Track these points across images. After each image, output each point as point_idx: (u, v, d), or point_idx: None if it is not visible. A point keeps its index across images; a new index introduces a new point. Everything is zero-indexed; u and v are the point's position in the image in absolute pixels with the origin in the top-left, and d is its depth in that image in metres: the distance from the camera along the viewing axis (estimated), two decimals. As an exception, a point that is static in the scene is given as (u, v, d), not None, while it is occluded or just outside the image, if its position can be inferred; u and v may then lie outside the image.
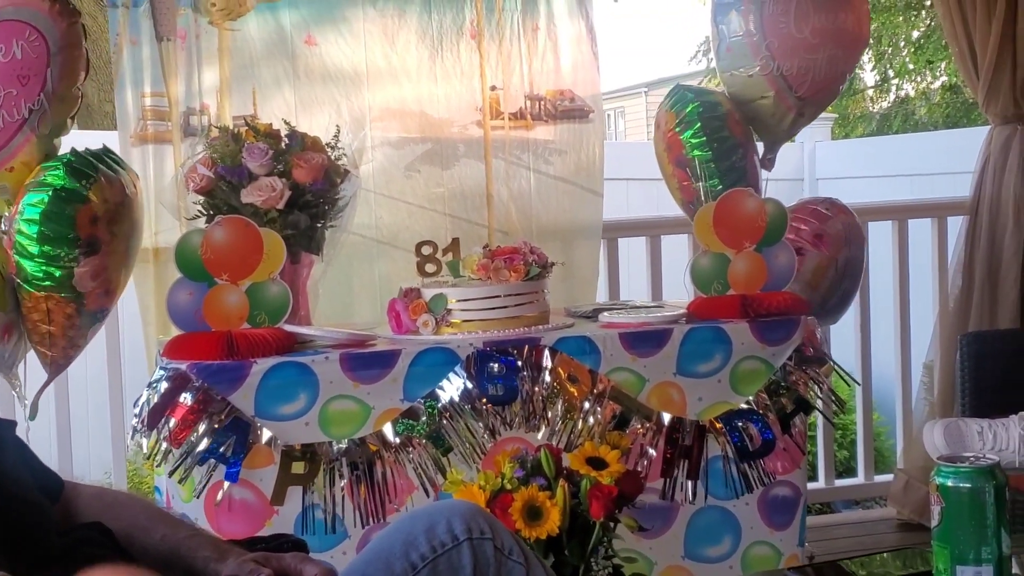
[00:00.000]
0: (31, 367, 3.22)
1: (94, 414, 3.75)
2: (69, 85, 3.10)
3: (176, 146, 3.46)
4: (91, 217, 2.90)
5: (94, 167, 2.97)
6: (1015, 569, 1.45)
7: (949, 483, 1.44)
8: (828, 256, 3.24)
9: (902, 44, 12.07)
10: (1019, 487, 1.65)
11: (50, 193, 2.89)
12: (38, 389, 3.20)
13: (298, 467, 2.70)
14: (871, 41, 13.17)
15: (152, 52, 3.50)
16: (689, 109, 3.49)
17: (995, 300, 4.14)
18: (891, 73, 13.00)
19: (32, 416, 3.09)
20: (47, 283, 2.91)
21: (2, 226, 2.99)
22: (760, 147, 3.65)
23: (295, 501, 2.70)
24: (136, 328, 3.58)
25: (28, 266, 2.88)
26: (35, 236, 2.87)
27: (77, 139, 3.24)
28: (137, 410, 2.76)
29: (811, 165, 8.08)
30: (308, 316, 3.10)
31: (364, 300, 3.45)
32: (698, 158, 3.43)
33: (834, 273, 3.26)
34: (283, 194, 2.92)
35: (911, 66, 12.74)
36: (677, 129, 3.51)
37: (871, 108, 13.08)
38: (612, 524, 2.61)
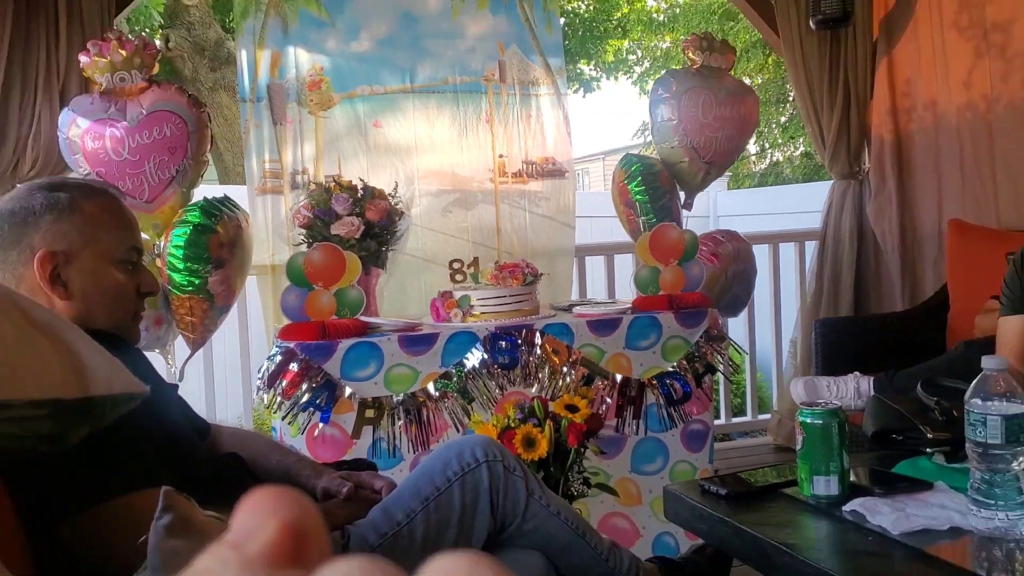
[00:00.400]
0: (178, 348, 3.27)
1: (230, 378, 3.76)
2: (201, 153, 3.14)
3: (286, 196, 3.46)
4: (218, 243, 2.96)
5: (219, 209, 3.02)
6: (852, 477, 1.47)
7: (808, 420, 1.46)
8: (720, 268, 3.26)
9: (774, 125, 12.08)
10: (854, 422, 1.67)
11: (191, 227, 2.94)
12: (183, 360, 3.24)
13: (369, 412, 2.72)
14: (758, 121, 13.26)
15: (270, 132, 3.51)
16: (634, 168, 3.52)
17: (837, 298, 4.16)
18: (767, 144, 13.02)
19: (180, 379, 3.12)
20: (189, 288, 2.96)
21: (156, 251, 3.04)
22: (681, 195, 3.67)
23: (367, 436, 2.71)
24: (258, 319, 3.60)
25: (176, 277, 2.93)
26: (180, 256, 2.93)
27: (213, 190, 3.30)
28: (260, 375, 2.79)
29: (714, 207, 8.11)
30: (376, 310, 3.09)
31: (414, 299, 3.45)
32: (639, 201, 3.47)
33: (724, 280, 3.27)
34: (359, 228, 2.95)
35: (780, 140, 12.76)
36: (626, 181, 3.53)
37: (753, 168, 13.11)
38: (582, 449, 2.65)
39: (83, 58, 2.99)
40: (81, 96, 3.00)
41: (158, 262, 3.00)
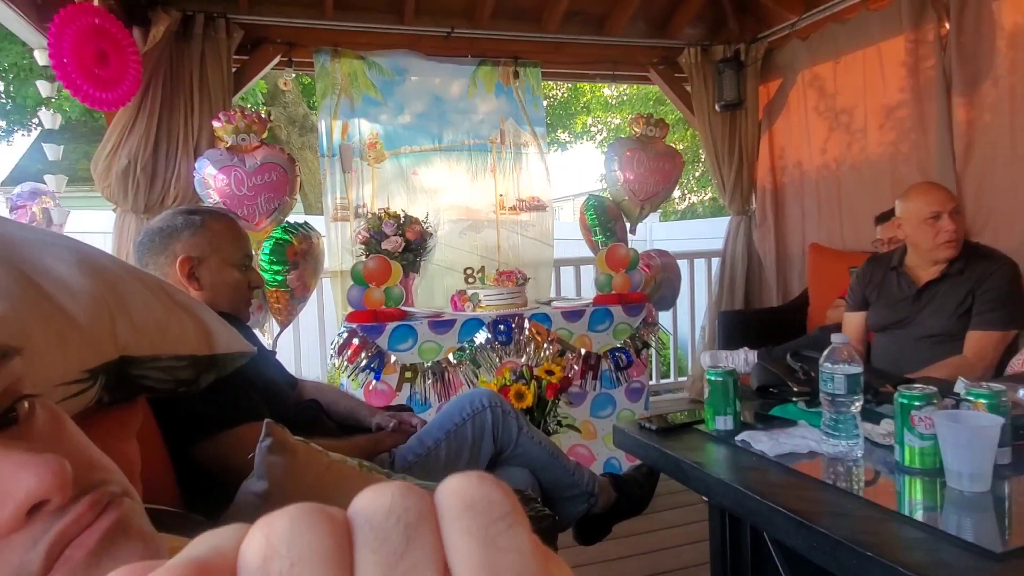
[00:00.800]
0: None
1: (313, 348, 3.75)
2: (293, 193, 3.16)
3: (351, 222, 3.45)
4: (293, 251, 2.99)
5: (295, 229, 3.08)
6: (742, 417, 1.47)
7: (712, 378, 1.47)
8: (653, 276, 3.26)
9: (691, 177, 12.13)
10: (744, 381, 1.67)
11: (274, 240, 2.97)
12: (275, 335, 3.24)
13: (408, 374, 2.72)
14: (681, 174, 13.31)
15: (340, 178, 3.50)
16: (590, 203, 3.54)
17: (733, 297, 4.18)
18: (686, 191, 13.01)
19: (273, 347, 3.13)
20: (274, 284, 2.99)
21: (255, 257, 3.05)
22: (628, 224, 3.68)
23: (406, 390, 2.71)
24: (331, 308, 3.60)
25: (267, 275, 2.96)
26: (266, 260, 2.95)
27: (299, 218, 3.31)
28: (332, 346, 2.80)
29: (651, 233, 8.13)
30: (412, 302, 3.09)
31: (439, 295, 3.45)
32: (593, 227, 3.48)
33: (656, 284, 3.28)
34: (401, 245, 2.95)
35: (695, 188, 12.78)
36: (585, 212, 3.54)
37: (678, 207, 13.11)
38: (556, 400, 2.66)
39: (216, 123, 3.02)
40: (212, 150, 3.03)
41: (254, 263, 3.02)
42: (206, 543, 0.19)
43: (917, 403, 1.14)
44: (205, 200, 3.03)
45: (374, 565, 0.18)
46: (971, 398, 1.19)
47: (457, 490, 0.19)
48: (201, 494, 1.13)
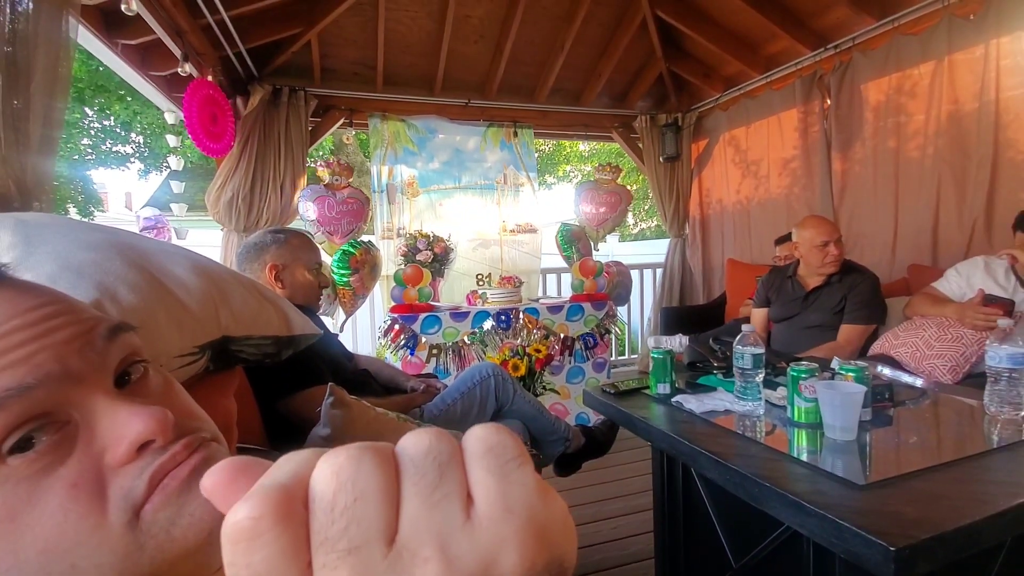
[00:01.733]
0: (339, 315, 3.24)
1: (367, 331, 3.73)
2: (365, 220, 3.20)
3: (395, 240, 3.45)
4: (355, 260, 2.97)
5: (359, 244, 3.04)
6: (677, 384, 1.45)
7: (655, 355, 1.46)
8: (612, 280, 3.24)
9: (642, 209, 12.15)
10: (679, 358, 1.67)
11: (343, 251, 2.96)
12: (341, 322, 3.22)
13: (434, 351, 2.70)
14: (631, 207, 13.32)
15: (387, 208, 3.49)
16: (561, 230, 3.48)
17: (671, 296, 4.17)
18: (638, 219, 12.98)
19: (340, 331, 3.11)
20: (341, 284, 2.97)
21: (326, 264, 3.04)
22: (591, 243, 3.66)
23: (432, 362, 2.69)
24: (379, 303, 3.59)
25: (336, 277, 2.94)
26: (338, 267, 2.93)
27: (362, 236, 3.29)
28: (380, 330, 2.79)
29: (612, 249, 8.16)
30: (438, 299, 3.09)
31: (458, 294, 3.44)
32: (563, 246, 3.43)
33: (614, 287, 3.26)
34: (430, 257, 2.94)
35: (645, 217, 12.78)
36: (557, 237, 3.51)
37: (632, 231, 13.10)
38: (542, 371, 2.65)
39: (320, 167, 3.19)
40: (314, 185, 3.13)
41: (326, 268, 3.02)
42: (286, 468, 0.19)
43: (804, 375, 1.14)
44: (305, 220, 3.07)
45: (415, 495, 0.18)
46: (843, 372, 1.18)
47: (480, 437, 0.19)
48: (281, 438, 1.13)
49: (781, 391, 1.30)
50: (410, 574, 0.17)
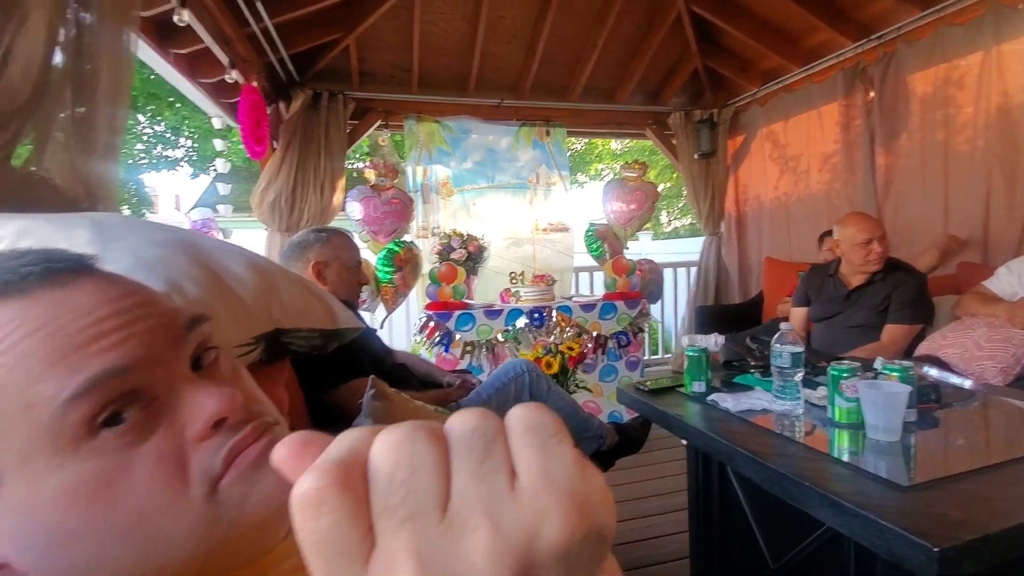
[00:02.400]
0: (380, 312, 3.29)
1: (402, 328, 3.78)
2: (408, 221, 3.25)
3: (429, 239, 3.48)
4: (399, 258, 3.01)
5: (403, 244, 3.06)
6: (712, 383, 1.43)
7: (690, 353, 1.44)
8: (643, 278, 3.17)
9: (675, 208, 11.96)
10: (715, 358, 1.64)
11: (387, 250, 3.00)
12: (382, 319, 3.28)
13: (468, 347, 2.73)
14: (659, 204, 13.10)
15: (423, 208, 3.54)
16: (589, 231, 3.36)
17: (706, 295, 4.10)
18: (671, 217, 12.78)
19: (380, 327, 3.17)
20: (384, 281, 3.01)
21: (368, 263, 3.09)
22: (620, 242, 3.60)
23: (467, 359, 2.72)
24: (414, 300, 3.63)
25: (380, 275, 2.98)
26: (382, 265, 2.98)
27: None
28: (415, 327, 2.84)
29: (643, 247, 8.06)
30: (472, 296, 3.11)
31: (492, 292, 3.45)
32: (590, 246, 3.35)
33: (646, 284, 3.19)
34: (465, 255, 2.97)
35: (679, 216, 12.57)
36: (585, 236, 3.40)
37: (666, 229, 12.88)
38: (575, 369, 2.65)
39: (369, 168, 3.21)
40: (360, 186, 3.17)
41: (369, 267, 3.07)
42: (346, 443, 0.20)
43: (845, 374, 1.11)
44: (350, 219, 3.14)
45: (464, 469, 0.19)
46: (886, 372, 1.15)
47: (521, 416, 0.21)
48: (326, 428, 1.17)
49: (821, 391, 1.27)
50: (461, 539, 0.18)
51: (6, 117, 0.70)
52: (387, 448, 0.20)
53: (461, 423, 0.20)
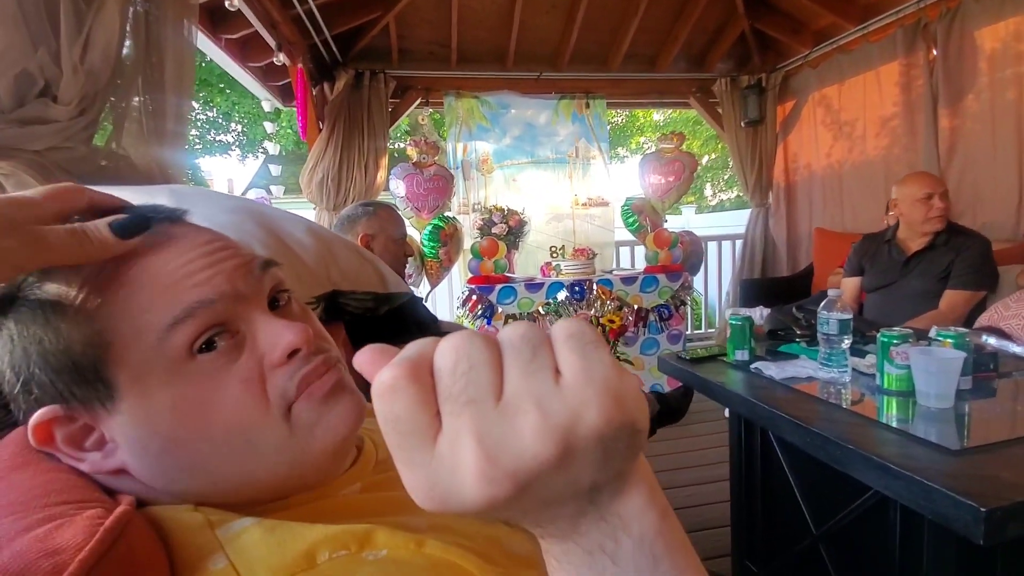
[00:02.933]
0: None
1: (445, 303, 3.85)
2: (449, 197, 3.23)
3: (470, 215, 3.52)
4: (444, 233, 3.03)
5: (447, 219, 3.06)
6: (756, 352, 1.42)
7: (733, 322, 1.43)
8: (685, 251, 3.11)
9: (720, 179, 11.57)
10: (759, 331, 1.62)
11: (433, 225, 3.03)
12: (427, 293, 3.35)
13: (510, 320, 2.77)
14: (703, 175, 12.70)
15: (463, 184, 3.58)
16: (625, 206, 3.31)
17: (752, 268, 3.99)
18: (716, 190, 12.36)
19: (425, 299, 3.23)
20: (431, 256, 3.05)
21: (413, 236, 3.13)
22: (659, 214, 3.53)
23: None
24: (457, 275, 3.69)
25: (426, 250, 3.02)
26: (427, 240, 3.03)
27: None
28: (459, 300, 2.90)
29: (688, 222, 7.86)
30: (513, 270, 3.13)
31: (532, 266, 3.47)
32: (626, 220, 3.30)
33: (687, 258, 3.13)
34: (505, 230, 3.00)
35: (724, 187, 12.16)
36: (621, 212, 3.36)
37: (711, 202, 12.49)
38: (616, 342, 2.66)
39: (409, 147, 3.18)
40: (403, 163, 3.16)
41: (415, 243, 3.12)
42: (414, 348, 0.24)
43: (896, 340, 1.08)
44: (394, 196, 3.19)
45: (514, 367, 0.22)
46: (940, 338, 1.12)
47: (563, 326, 0.24)
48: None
49: (870, 359, 1.25)
50: (514, 420, 0.21)
51: (90, 99, 0.76)
52: (449, 347, 0.23)
53: (511, 332, 0.24)
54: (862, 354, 1.30)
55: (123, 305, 0.36)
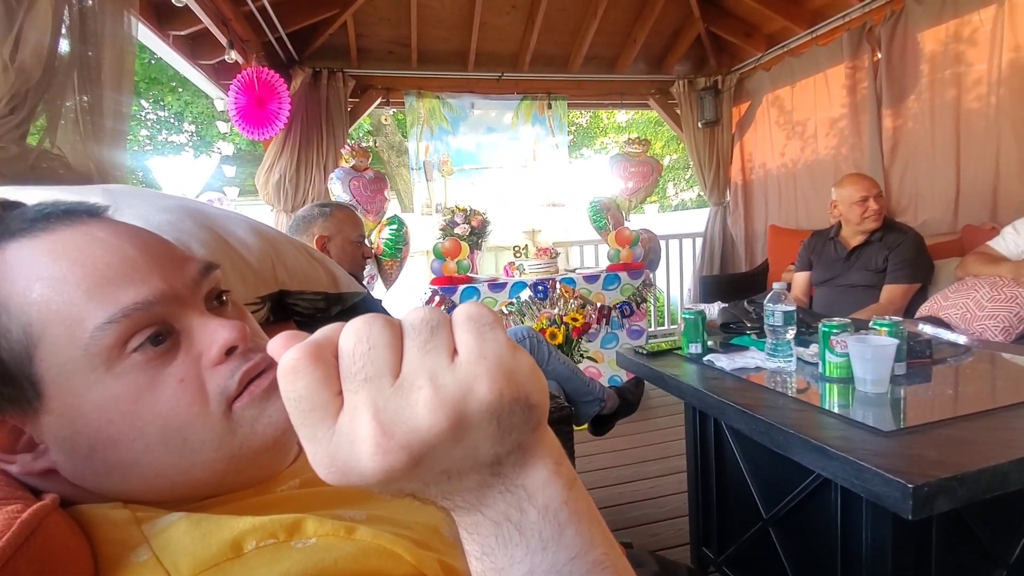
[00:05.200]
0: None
1: (411, 300, 3.82)
2: (387, 193, 3.22)
3: (434, 215, 3.51)
4: (406, 232, 3.01)
5: (402, 220, 3.07)
6: (709, 345, 1.46)
7: (687, 316, 1.47)
8: (644, 249, 3.18)
9: (682, 180, 11.82)
10: (712, 325, 1.67)
11: (397, 225, 3.00)
12: (386, 291, 3.32)
13: (474, 320, 2.79)
14: (665, 175, 12.97)
15: (425, 185, 3.55)
16: (592, 204, 3.31)
17: (712, 265, 4.11)
18: (678, 190, 12.61)
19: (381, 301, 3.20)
20: (390, 256, 3.02)
21: (373, 240, 3.10)
22: (621, 214, 3.60)
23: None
24: (422, 275, 3.67)
25: (387, 250, 2.99)
26: (391, 240, 3.00)
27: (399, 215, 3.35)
28: (422, 300, 2.89)
29: (651, 222, 7.97)
30: (476, 271, 3.15)
31: (496, 267, 3.49)
32: (594, 218, 3.34)
33: (647, 254, 3.20)
34: (468, 230, 3.01)
35: (685, 187, 12.43)
36: (588, 210, 3.35)
37: (672, 202, 12.77)
38: (580, 339, 2.70)
39: (344, 151, 3.19)
40: (341, 169, 3.16)
41: (376, 246, 3.10)
42: (319, 333, 0.25)
43: (835, 330, 1.14)
44: (338, 198, 3.16)
45: (412, 347, 0.24)
46: (876, 326, 1.18)
47: (463, 309, 0.26)
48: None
49: (813, 348, 1.30)
50: (409, 396, 0.23)
51: (21, 97, 0.74)
52: (351, 330, 0.24)
53: (413, 315, 0.25)
54: (807, 344, 1.36)
55: (52, 302, 0.35)
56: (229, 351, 0.40)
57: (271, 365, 0.42)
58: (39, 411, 0.36)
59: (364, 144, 3.33)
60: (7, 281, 0.36)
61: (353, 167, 3.13)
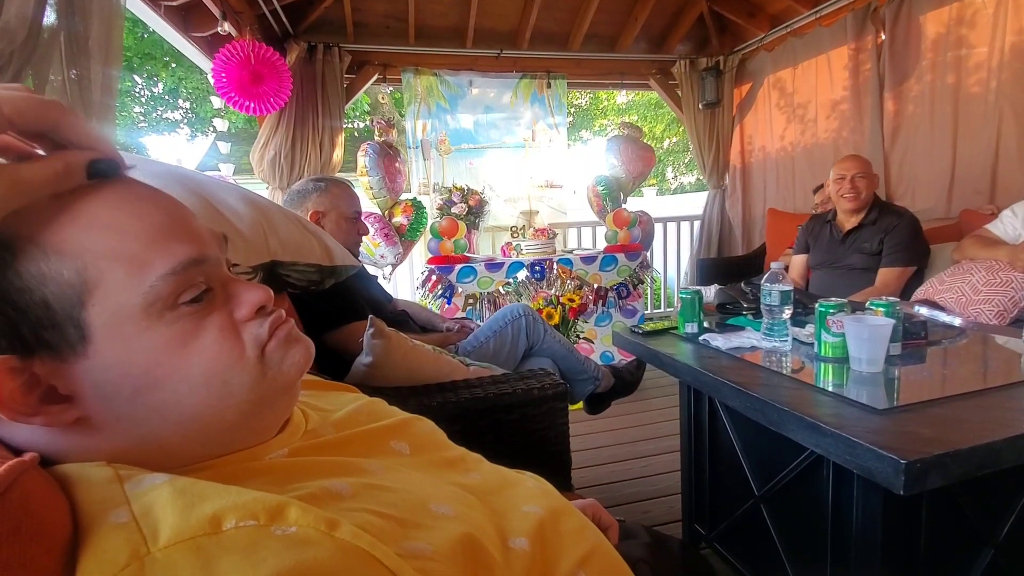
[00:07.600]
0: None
1: (408, 279, 3.81)
2: (403, 172, 3.18)
3: (431, 194, 3.49)
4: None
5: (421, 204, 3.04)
6: (704, 324, 1.46)
7: (683, 296, 1.46)
8: (640, 231, 3.17)
9: (681, 163, 11.74)
10: (709, 308, 1.67)
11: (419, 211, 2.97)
12: (390, 271, 3.31)
13: (470, 299, 2.78)
14: (665, 159, 12.90)
15: (422, 164, 3.52)
16: (603, 180, 3.38)
17: (709, 248, 4.10)
18: (677, 173, 12.54)
19: (387, 278, 3.19)
20: (411, 239, 3.00)
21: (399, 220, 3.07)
22: (621, 196, 3.59)
23: (469, 311, 2.76)
24: (420, 256, 3.66)
25: (409, 233, 2.97)
26: (414, 224, 2.97)
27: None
28: (419, 281, 2.88)
29: (648, 203, 7.95)
30: (474, 250, 3.14)
31: (493, 247, 3.48)
32: (604, 196, 3.39)
33: (644, 236, 3.20)
34: (465, 210, 2.98)
35: (684, 170, 12.36)
36: (599, 186, 3.41)
37: (671, 185, 12.69)
38: (576, 319, 2.70)
39: (377, 126, 3.17)
40: (370, 143, 3.09)
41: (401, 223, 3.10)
42: None
43: (832, 310, 1.14)
44: (372, 172, 3.12)
45: None
46: (872, 307, 1.18)
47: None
48: (328, 368, 1.22)
49: (809, 328, 1.30)
50: None
51: (6, 57, 0.71)
52: None
53: None
54: (803, 324, 1.36)
55: (114, 249, 0.37)
56: (260, 309, 0.44)
57: (286, 320, 0.47)
58: (79, 356, 0.37)
59: (388, 117, 3.26)
60: (60, 225, 0.36)
61: (384, 142, 3.10)
